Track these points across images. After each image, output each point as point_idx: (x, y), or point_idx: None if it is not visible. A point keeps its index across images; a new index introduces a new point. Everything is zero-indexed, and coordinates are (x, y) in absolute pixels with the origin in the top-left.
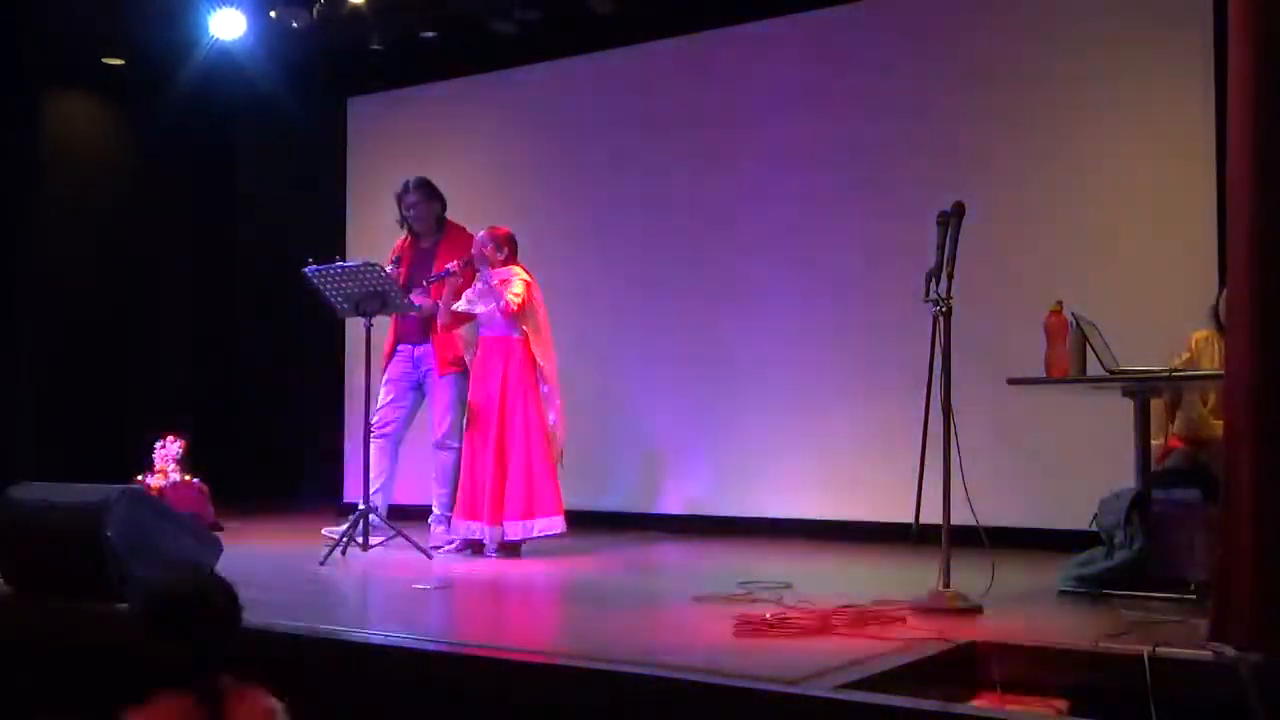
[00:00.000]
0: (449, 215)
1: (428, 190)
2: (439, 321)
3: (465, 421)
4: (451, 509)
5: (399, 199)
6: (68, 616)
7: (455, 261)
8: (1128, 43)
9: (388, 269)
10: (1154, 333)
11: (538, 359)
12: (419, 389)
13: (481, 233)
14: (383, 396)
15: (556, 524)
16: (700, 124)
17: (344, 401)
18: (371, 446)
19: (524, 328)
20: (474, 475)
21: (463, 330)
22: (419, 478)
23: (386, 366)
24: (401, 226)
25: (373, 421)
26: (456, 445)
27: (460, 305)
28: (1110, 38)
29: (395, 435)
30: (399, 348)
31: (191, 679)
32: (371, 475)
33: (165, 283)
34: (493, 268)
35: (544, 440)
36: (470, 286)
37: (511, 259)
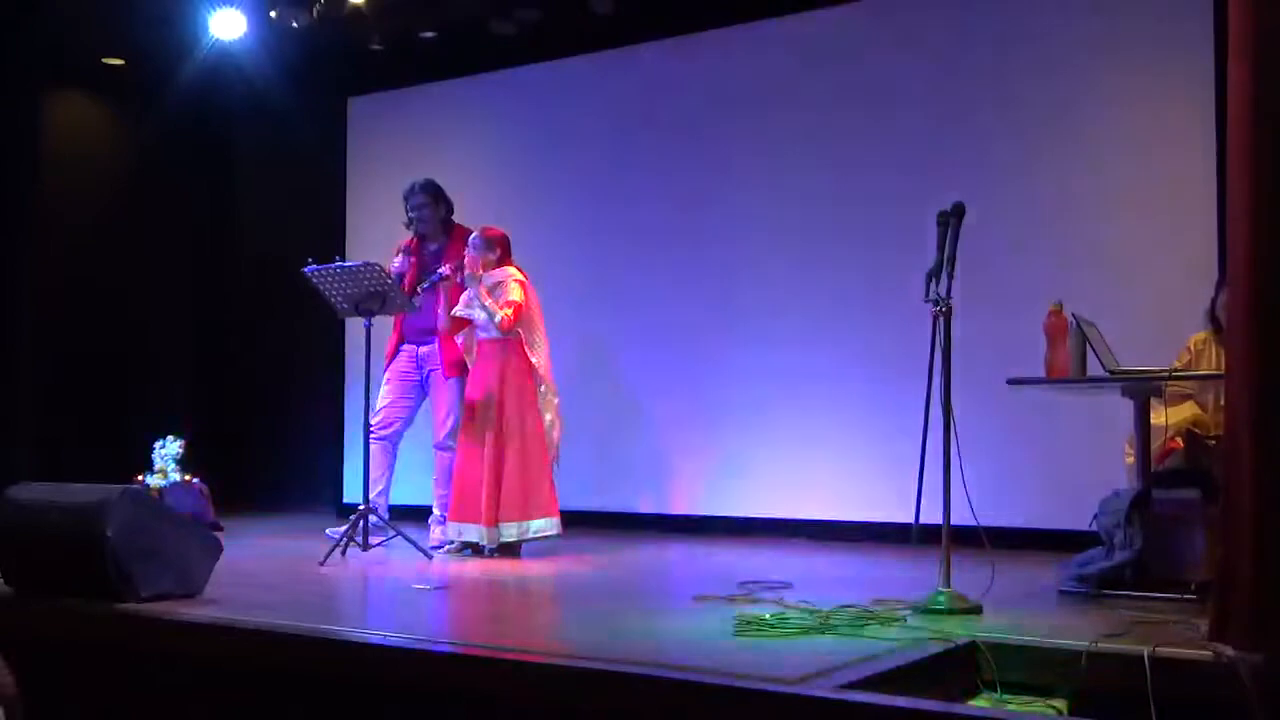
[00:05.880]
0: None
1: (433, 193)
2: (440, 325)
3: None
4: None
5: (405, 200)
6: (68, 616)
7: (447, 266)
8: (1128, 42)
9: (396, 260)
10: (1154, 333)
11: (533, 359)
12: (421, 389)
13: (474, 234)
14: (384, 396)
15: (552, 525)
16: (699, 124)
17: (344, 402)
18: (372, 447)
19: (519, 329)
20: (469, 476)
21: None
22: (419, 478)
23: (388, 365)
24: (408, 228)
25: (373, 421)
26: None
27: (459, 310)
28: (1110, 37)
29: (396, 436)
30: (402, 347)
31: None
32: (372, 476)
33: (165, 282)
34: (485, 269)
35: (539, 441)
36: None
37: (505, 260)
